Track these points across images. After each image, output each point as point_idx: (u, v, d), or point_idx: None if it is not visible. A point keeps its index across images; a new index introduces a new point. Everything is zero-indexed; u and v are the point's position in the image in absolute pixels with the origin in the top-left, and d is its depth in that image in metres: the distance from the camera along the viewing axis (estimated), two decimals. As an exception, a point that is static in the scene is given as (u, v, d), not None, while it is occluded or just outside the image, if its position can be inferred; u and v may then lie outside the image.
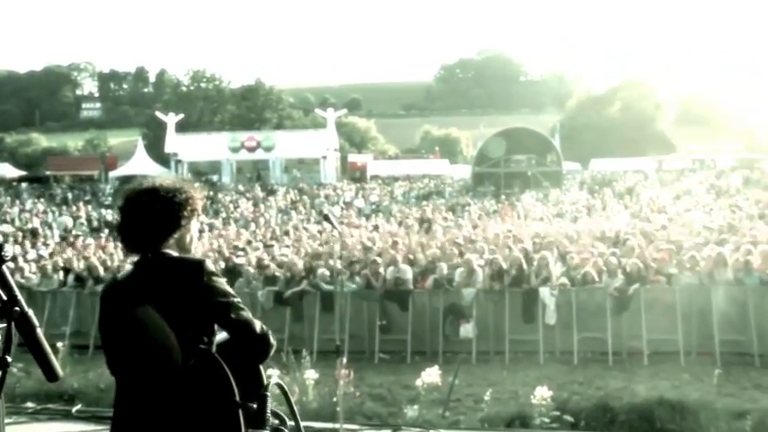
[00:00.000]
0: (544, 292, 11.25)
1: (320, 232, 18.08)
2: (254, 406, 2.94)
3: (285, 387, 3.10)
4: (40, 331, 2.36)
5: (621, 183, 35.37)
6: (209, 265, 2.97)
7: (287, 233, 19.40)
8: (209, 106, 72.62)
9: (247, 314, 2.95)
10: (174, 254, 2.98)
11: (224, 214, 29.99)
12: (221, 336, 2.98)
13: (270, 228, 21.82)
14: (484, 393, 8.45)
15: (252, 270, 13.13)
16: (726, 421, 7.18)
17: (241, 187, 40.02)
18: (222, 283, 2.95)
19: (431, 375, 7.80)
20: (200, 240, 18.89)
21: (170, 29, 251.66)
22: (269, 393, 2.98)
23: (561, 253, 12.99)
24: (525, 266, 11.73)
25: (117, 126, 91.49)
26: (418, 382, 7.92)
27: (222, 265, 13.65)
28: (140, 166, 47.57)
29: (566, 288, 11.38)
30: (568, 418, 7.37)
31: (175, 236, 3.00)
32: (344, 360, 5.26)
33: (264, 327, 2.99)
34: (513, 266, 11.75)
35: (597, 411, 7.64)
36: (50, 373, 2.40)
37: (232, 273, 13.19)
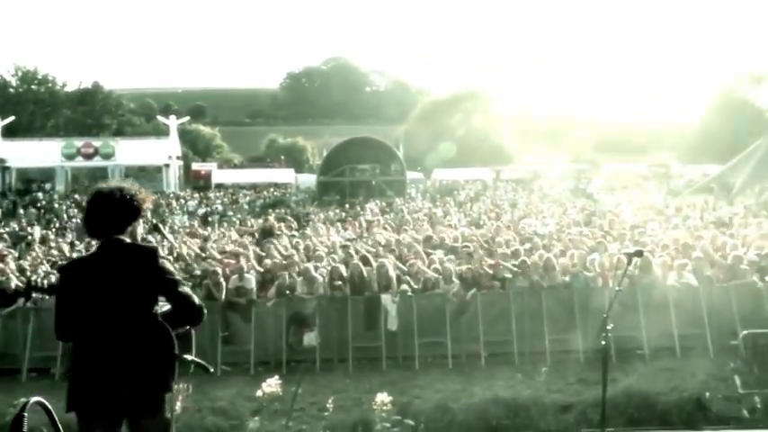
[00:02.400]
0: (386, 299, 11.45)
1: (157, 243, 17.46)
2: (189, 357, 3.98)
3: (48, 406, 3.12)
4: None
5: (462, 192, 36.72)
6: (160, 250, 4.04)
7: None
8: (41, 110, 68.29)
9: (189, 289, 4.02)
10: (129, 240, 3.97)
11: (57, 224, 28.35)
12: (165, 307, 3.94)
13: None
14: (327, 401, 8.50)
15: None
16: (553, 415, 7.62)
17: (77, 196, 38.03)
18: (170, 265, 4.05)
19: (271, 386, 7.74)
20: (30, 254, 17.75)
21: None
22: (26, 414, 2.99)
23: (403, 260, 13.26)
24: (366, 274, 11.89)
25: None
26: (259, 393, 7.83)
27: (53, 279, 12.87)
28: (-39, 172, 44.12)
29: (407, 294, 11.64)
30: (409, 421, 7.53)
31: (133, 225, 4.00)
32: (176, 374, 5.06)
33: (200, 301, 4.06)
34: (354, 274, 11.88)
35: (437, 413, 7.88)
36: None
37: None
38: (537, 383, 9.69)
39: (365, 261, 12.45)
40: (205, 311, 4.09)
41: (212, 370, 4.23)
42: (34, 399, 3.12)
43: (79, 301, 3.85)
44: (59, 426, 3.21)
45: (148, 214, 4.38)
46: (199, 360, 4.05)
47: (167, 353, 3.84)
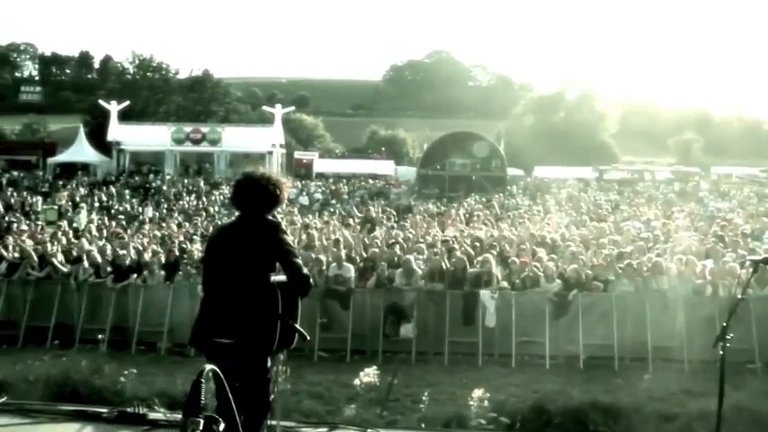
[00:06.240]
0: (485, 294, 11.35)
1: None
2: (295, 325, 4.44)
3: (221, 375, 3.27)
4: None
5: (563, 190, 35.96)
6: (283, 225, 4.66)
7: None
8: (155, 96, 71.12)
9: (300, 261, 4.54)
10: (267, 216, 4.57)
11: (166, 206, 29.50)
12: (281, 277, 4.42)
13: (214, 222, 21.49)
14: (422, 394, 8.47)
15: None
16: (655, 425, 7.34)
17: (185, 180, 39.47)
18: (289, 237, 4.65)
19: (369, 375, 7.79)
20: (141, 232, 18.53)
21: (116, 14, 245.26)
22: (203, 380, 3.12)
23: (503, 257, 13.11)
24: (467, 269, 11.82)
25: (57, 112, 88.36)
26: (356, 382, 7.89)
27: (163, 258, 13.38)
28: (81, 153, 46.33)
29: (506, 292, 11.49)
30: (504, 419, 7.42)
31: (273, 210, 4.63)
32: (282, 357, 5.20)
33: (308, 272, 4.58)
34: (457, 269, 11.81)
35: (533, 414, 7.72)
36: None
37: (173, 267, 12.94)
38: (638, 391, 9.36)
39: (467, 256, 12.37)
40: (312, 283, 4.67)
41: (309, 338, 4.81)
42: (209, 366, 3.35)
43: (214, 261, 4.56)
44: (229, 392, 3.41)
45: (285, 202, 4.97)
46: (300, 328, 4.50)
47: (273, 313, 4.34)
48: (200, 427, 3.23)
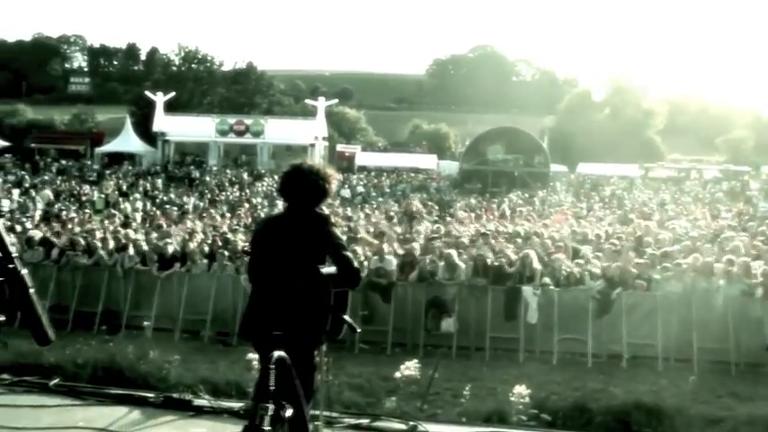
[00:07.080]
0: (527, 291, 11.27)
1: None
2: (344, 316, 4.38)
3: (289, 363, 3.37)
4: (33, 292, 2.27)
5: (608, 188, 35.52)
6: (332, 218, 4.59)
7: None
8: (199, 87, 71.88)
9: (350, 253, 4.52)
10: (317, 209, 4.45)
11: (209, 197, 29.87)
12: (331, 269, 4.35)
13: (256, 212, 21.72)
14: (463, 388, 8.45)
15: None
16: (700, 427, 7.21)
17: (228, 171, 39.88)
18: (337, 230, 4.60)
19: (410, 369, 7.79)
20: (184, 222, 18.79)
21: (163, 6, 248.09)
22: (272, 367, 3.19)
23: (545, 253, 12.99)
24: (509, 264, 11.74)
25: (105, 102, 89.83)
26: (397, 374, 7.90)
27: (206, 249, 13.54)
28: (127, 143, 47.17)
29: (548, 288, 11.39)
30: (546, 416, 7.37)
31: (320, 203, 4.49)
32: (324, 348, 5.22)
33: (358, 264, 4.66)
34: (503, 264, 11.73)
35: (574, 412, 7.64)
36: (42, 336, 2.31)
37: (214, 257, 13.08)
38: (682, 392, 9.20)
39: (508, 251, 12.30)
40: (362, 275, 4.73)
41: (359, 330, 4.72)
42: (278, 353, 3.52)
43: (262, 253, 4.53)
44: (295, 381, 3.54)
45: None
46: (350, 320, 4.46)
47: (324, 305, 4.29)
48: (270, 413, 3.29)
